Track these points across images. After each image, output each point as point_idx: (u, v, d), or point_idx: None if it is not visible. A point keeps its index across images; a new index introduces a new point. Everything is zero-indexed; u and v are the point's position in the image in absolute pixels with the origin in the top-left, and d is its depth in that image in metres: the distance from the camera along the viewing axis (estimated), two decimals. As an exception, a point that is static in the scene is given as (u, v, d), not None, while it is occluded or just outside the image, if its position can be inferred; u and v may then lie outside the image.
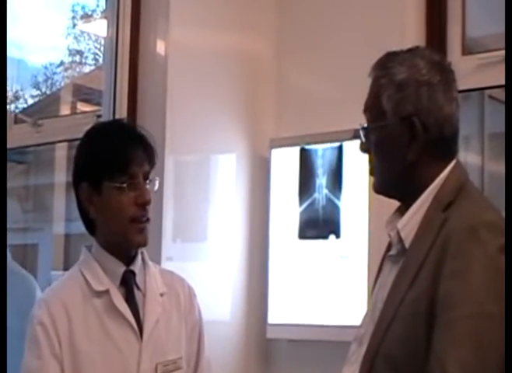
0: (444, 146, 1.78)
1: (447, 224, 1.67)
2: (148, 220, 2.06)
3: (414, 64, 1.77)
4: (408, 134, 1.75)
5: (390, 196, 1.88)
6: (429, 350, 1.59)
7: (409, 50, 1.82)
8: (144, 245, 2.09)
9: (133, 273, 2.10)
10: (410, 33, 3.08)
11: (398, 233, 1.76)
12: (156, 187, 2.11)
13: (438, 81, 1.76)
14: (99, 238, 2.10)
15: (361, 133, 1.84)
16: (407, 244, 1.75)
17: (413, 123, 1.74)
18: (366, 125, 1.83)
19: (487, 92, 3.39)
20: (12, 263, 2.67)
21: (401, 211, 1.80)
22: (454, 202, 1.71)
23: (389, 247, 1.86)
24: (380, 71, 1.80)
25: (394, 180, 1.81)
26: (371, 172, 1.85)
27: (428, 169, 1.76)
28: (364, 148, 1.86)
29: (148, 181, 2.07)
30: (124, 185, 2.01)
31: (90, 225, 2.11)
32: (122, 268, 2.08)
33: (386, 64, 1.80)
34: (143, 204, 2.04)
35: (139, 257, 2.13)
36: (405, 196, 1.80)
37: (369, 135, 1.83)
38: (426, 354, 1.60)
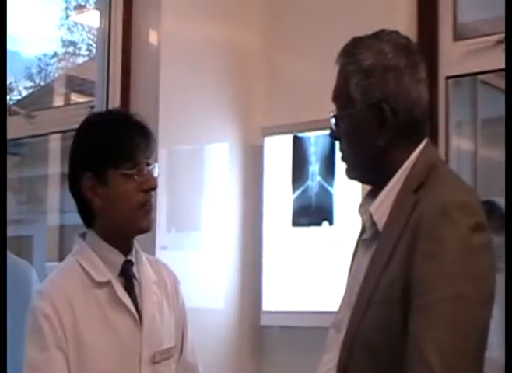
0: (414, 129, 1.77)
1: (419, 205, 1.66)
2: (151, 206, 2.07)
3: (380, 49, 1.76)
4: (377, 120, 1.74)
5: (363, 181, 1.90)
6: (406, 334, 1.59)
7: (375, 35, 1.80)
8: (149, 230, 2.09)
9: (131, 262, 2.10)
10: (401, 19, 3.08)
11: (371, 216, 1.76)
12: (157, 173, 2.11)
13: (405, 65, 1.75)
14: (99, 229, 2.08)
15: (331, 121, 1.84)
16: (380, 227, 1.74)
17: (382, 109, 1.74)
18: (335, 113, 1.83)
19: (479, 77, 3.39)
20: (8, 254, 2.67)
21: (373, 194, 1.80)
22: (424, 183, 1.70)
23: (362, 230, 1.86)
24: (347, 58, 1.79)
25: (366, 166, 1.81)
26: (343, 159, 1.85)
27: (399, 152, 1.75)
28: (335, 136, 1.85)
29: (148, 167, 2.08)
30: (133, 172, 2.02)
31: (89, 216, 2.09)
32: (122, 258, 2.08)
33: (352, 51, 1.79)
34: (150, 190, 2.05)
35: (135, 247, 2.13)
36: (377, 180, 1.79)
37: (339, 123, 1.82)
38: (404, 338, 1.59)
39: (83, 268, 2.05)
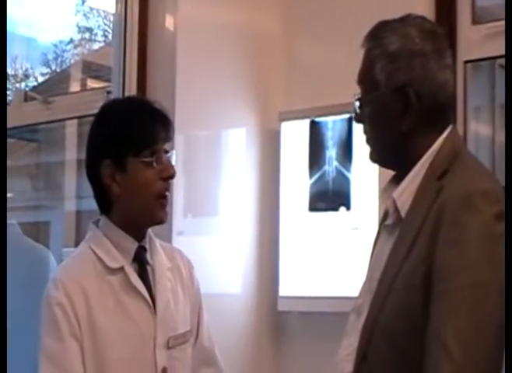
0: (439, 115, 1.77)
1: (442, 192, 1.66)
2: (168, 197, 2.07)
3: (406, 33, 1.76)
4: (401, 105, 1.74)
5: (386, 166, 1.88)
6: (427, 320, 1.60)
7: (401, 19, 1.80)
8: (165, 221, 2.09)
9: (145, 249, 2.11)
10: (419, 3, 3.06)
11: (394, 202, 1.76)
12: (175, 161, 2.11)
13: (431, 50, 1.75)
14: (115, 216, 2.08)
15: (355, 104, 1.83)
16: (403, 213, 1.74)
17: (407, 94, 1.73)
18: (360, 96, 1.82)
19: (498, 61, 3.36)
20: (25, 239, 2.69)
21: (397, 180, 1.80)
22: (448, 170, 1.70)
23: (385, 216, 1.86)
24: (373, 42, 1.79)
25: (390, 150, 1.81)
26: (367, 142, 1.85)
27: (423, 137, 1.75)
28: (358, 119, 1.85)
29: (167, 154, 2.08)
30: (153, 159, 2.02)
31: (106, 203, 2.09)
32: (135, 244, 2.09)
33: (378, 35, 1.79)
34: (169, 178, 2.05)
35: (148, 233, 2.14)
36: (401, 166, 1.79)
37: (363, 106, 1.82)
38: (424, 325, 1.60)
39: (96, 254, 2.06)
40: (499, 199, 1.65)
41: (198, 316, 2.22)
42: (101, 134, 2.10)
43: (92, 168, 2.08)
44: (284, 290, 3.31)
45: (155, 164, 2.02)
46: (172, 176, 2.06)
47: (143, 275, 2.08)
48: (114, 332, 2.00)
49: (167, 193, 2.06)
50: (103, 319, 2.00)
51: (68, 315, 1.97)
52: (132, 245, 2.08)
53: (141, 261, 2.09)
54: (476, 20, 3.07)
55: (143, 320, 2.04)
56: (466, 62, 3.05)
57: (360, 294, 1.88)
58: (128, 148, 2.02)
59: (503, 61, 3.35)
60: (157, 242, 2.17)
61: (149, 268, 2.11)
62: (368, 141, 1.84)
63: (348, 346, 1.80)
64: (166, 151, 2.07)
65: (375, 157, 1.85)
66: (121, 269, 2.05)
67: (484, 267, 1.59)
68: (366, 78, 1.81)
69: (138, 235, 2.10)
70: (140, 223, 2.09)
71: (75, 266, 2.09)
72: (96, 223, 2.13)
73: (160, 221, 2.08)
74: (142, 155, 2.02)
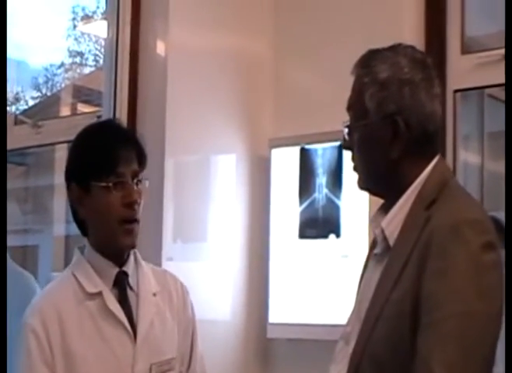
0: (427, 143, 1.78)
1: (430, 222, 1.67)
2: (136, 221, 2.04)
3: (396, 62, 1.77)
4: (390, 133, 1.75)
5: (374, 194, 1.88)
6: (415, 350, 1.59)
7: (391, 48, 1.81)
8: (132, 247, 2.08)
9: (126, 274, 2.09)
10: (409, 33, 3.09)
11: (383, 231, 1.76)
12: (147, 186, 2.08)
13: (420, 80, 1.76)
14: (91, 240, 2.08)
15: (344, 130, 1.84)
16: (391, 242, 1.75)
17: (396, 122, 1.74)
18: (348, 123, 1.83)
19: (487, 91, 3.39)
20: (10, 264, 2.67)
21: (385, 209, 1.80)
22: (436, 200, 1.71)
23: (373, 244, 1.86)
24: (363, 70, 1.80)
25: (378, 177, 1.81)
26: (355, 169, 1.85)
27: (411, 166, 1.76)
28: (347, 146, 1.85)
29: (137, 181, 2.05)
30: (110, 184, 2.00)
31: (82, 226, 2.10)
32: (115, 269, 2.07)
33: (368, 63, 1.80)
34: (130, 204, 2.02)
35: (132, 258, 2.12)
36: (389, 194, 1.80)
37: (352, 133, 1.82)
38: (412, 355, 1.60)
39: (77, 280, 2.05)
40: (486, 229, 1.66)
41: (192, 343, 2.19)
42: (69, 158, 2.11)
43: (67, 191, 2.09)
44: (273, 317, 3.30)
45: (113, 190, 2.00)
46: (133, 202, 2.02)
47: (123, 300, 2.06)
48: (90, 357, 1.98)
49: (137, 218, 2.03)
50: (78, 345, 1.98)
51: (41, 342, 1.96)
52: (112, 269, 2.07)
53: (121, 286, 2.08)
54: (465, 50, 3.10)
55: (120, 347, 2.02)
56: (455, 91, 3.08)
57: (349, 321, 1.88)
58: (90, 172, 2.02)
59: (491, 90, 3.39)
60: (146, 267, 2.16)
61: (131, 293, 2.09)
62: (356, 168, 1.84)
63: None
64: (136, 178, 2.04)
65: (363, 184, 1.85)
66: (99, 294, 2.03)
67: (471, 297, 1.59)
68: (355, 105, 1.81)
69: (118, 259, 2.08)
70: (111, 247, 2.07)
71: (53, 292, 2.08)
72: (82, 249, 2.12)
73: (126, 248, 2.06)
74: (103, 180, 2.00)
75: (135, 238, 2.05)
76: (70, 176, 2.07)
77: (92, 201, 2.02)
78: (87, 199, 2.03)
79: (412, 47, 1.84)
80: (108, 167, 2.01)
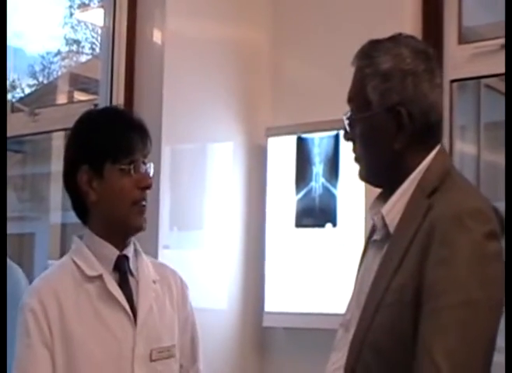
0: (430, 133, 1.78)
1: (432, 211, 1.67)
2: (145, 206, 2.07)
3: (398, 53, 1.76)
4: (394, 124, 1.74)
5: (375, 184, 1.87)
6: (416, 338, 1.60)
7: (392, 38, 1.80)
8: (143, 228, 2.07)
9: (126, 257, 2.08)
10: (406, 23, 3.09)
11: (383, 218, 1.76)
12: (152, 172, 2.11)
13: (422, 70, 1.75)
14: (94, 224, 2.07)
15: (345, 122, 1.83)
16: (391, 229, 1.74)
17: (399, 113, 1.74)
18: (350, 115, 1.82)
19: (483, 81, 3.39)
20: None
21: (384, 197, 1.80)
22: (438, 188, 1.71)
23: (372, 232, 1.86)
24: (364, 61, 1.78)
25: (381, 169, 1.81)
26: (356, 160, 1.85)
27: (414, 156, 1.76)
28: (349, 138, 1.84)
29: (145, 166, 2.08)
30: (130, 167, 2.02)
31: (83, 211, 2.08)
32: (115, 253, 2.06)
33: (370, 53, 1.78)
34: (145, 188, 2.05)
35: (132, 244, 2.12)
36: (391, 183, 1.79)
37: (354, 125, 1.81)
38: (413, 342, 1.60)
39: (76, 263, 2.04)
40: (489, 218, 1.66)
41: (193, 338, 2.19)
42: (79, 141, 2.09)
43: (70, 175, 2.06)
44: (269, 305, 3.31)
45: (132, 172, 2.02)
46: (149, 186, 2.06)
47: (124, 284, 2.06)
48: (89, 340, 1.98)
49: (144, 203, 2.05)
50: (77, 328, 1.98)
51: (39, 321, 1.96)
52: (112, 253, 2.06)
53: (122, 270, 2.07)
54: (462, 40, 3.10)
55: (121, 330, 2.01)
56: (452, 81, 3.08)
57: (348, 309, 1.88)
58: (106, 155, 2.02)
59: (488, 80, 3.39)
60: (146, 258, 2.16)
61: (132, 279, 2.08)
62: (357, 159, 1.84)
63: (337, 361, 1.80)
64: (145, 163, 2.07)
65: (365, 175, 1.85)
66: (100, 277, 2.03)
67: (474, 286, 1.59)
68: (357, 97, 1.80)
69: (119, 243, 2.07)
70: (118, 231, 2.07)
71: (52, 275, 2.08)
72: (81, 237, 2.11)
73: (138, 228, 2.07)
74: (120, 163, 2.02)
75: (145, 220, 2.07)
76: (81, 158, 2.05)
77: (104, 183, 2.02)
78: (98, 181, 2.02)
79: (413, 37, 1.83)
80: (126, 150, 2.03)
